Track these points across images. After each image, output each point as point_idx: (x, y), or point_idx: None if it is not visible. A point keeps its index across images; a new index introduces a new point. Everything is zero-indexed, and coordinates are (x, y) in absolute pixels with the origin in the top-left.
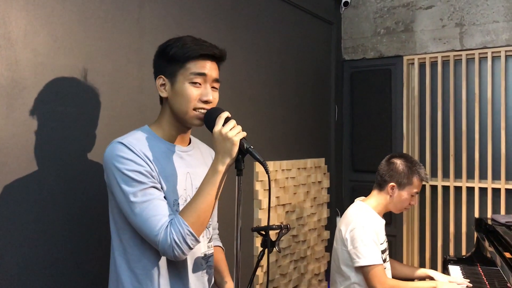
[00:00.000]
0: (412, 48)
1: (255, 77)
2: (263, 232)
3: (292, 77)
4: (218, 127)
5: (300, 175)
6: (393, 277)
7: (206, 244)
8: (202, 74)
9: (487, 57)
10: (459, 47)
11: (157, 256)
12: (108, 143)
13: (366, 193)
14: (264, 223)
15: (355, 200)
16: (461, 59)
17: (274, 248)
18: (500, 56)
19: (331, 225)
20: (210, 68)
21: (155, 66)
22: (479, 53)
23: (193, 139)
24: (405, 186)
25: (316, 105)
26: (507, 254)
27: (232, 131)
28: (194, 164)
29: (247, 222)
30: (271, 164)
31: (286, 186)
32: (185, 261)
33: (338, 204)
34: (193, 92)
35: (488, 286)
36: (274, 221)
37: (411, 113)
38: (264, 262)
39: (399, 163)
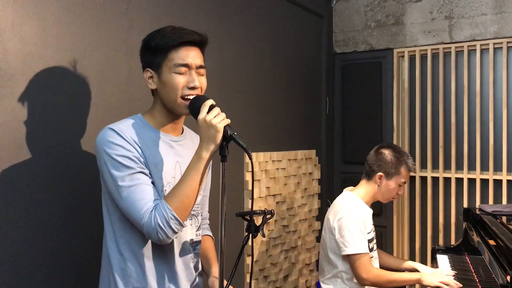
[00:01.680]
0: (402, 41)
1: (246, 69)
2: (248, 218)
3: (283, 70)
4: (202, 114)
5: (290, 166)
6: (381, 267)
7: (195, 232)
8: (185, 65)
9: (475, 49)
10: (448, 40)
11: (145, 239)
12: (97, 132)
13: (356, 184)
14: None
15: (344, 189)
16: (451, 51)
17: (259, 233)
18: (488, 48)
19: (322, 216)
20: (193, 56)
21: (142, 60)
22: (468, 46)
23: (186, 129)
24: (393, 176)
25: (307, 97)
26: (492, 242)
27: (216, 118)
28: (184, 153)
29: (236, 211)
30: (261, 155)
31: (277, 177)
32: (172, 245)
33: (329, 195)
34: (179, 80)
35: (474, 274)
36: None
37: (401, 106)
38: (250, 249)
39: (387, 153)
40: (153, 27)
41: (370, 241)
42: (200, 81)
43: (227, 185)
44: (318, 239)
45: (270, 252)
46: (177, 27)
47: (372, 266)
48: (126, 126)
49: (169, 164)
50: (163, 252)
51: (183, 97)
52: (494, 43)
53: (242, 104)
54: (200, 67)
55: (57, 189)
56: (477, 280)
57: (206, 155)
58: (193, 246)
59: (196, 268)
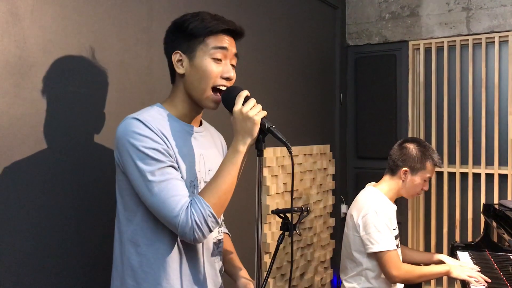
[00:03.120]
0: (418, 33)
1: (261, 62)
2: (283, 215)
3: (298, 63)
4: (238, 106)
5: (306, 162)
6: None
7: (217, 229)
8: (224, 48)
9: (494, 41)
10: (466, 32)
11: (172, 239)
12: (116, 125)
13: (370, 180)
14: (273, 208)
15: (366, 185)
16: (468, 44)
17: (295, 231)
18: (507, 40)
19: (336, 212)
20: (230, 43)
21: (170, 42)
22: (486, 38)
23: (203, 121)
24: (418, 171)
25: (321, 91)
26: None
27: (253, 110)
28: (206, 145)
29: (254, 208)
30: (278, 150)
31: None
32: (199, 245)
33: (343, 191)
34: (214, 68)
35: (499, 271)
36: (282, 207)
37: (417, 99)
38: (268, 246)
39: (412, 147)
40: (174, 16)
41: (395, 237)
42: (234, 73)
43: (243, 181)
44: (332, 236)
45: (287, 249)
46: (215, 14)
47: (401, 262)
48: (150, 116)
49: (195, 157)
50: (191, 252)
51: (214, 88)
52: None
53: (258, 98)
54: (236, 56)
55: (74, 181)
56: (504, 278)
57: (243, 148)
58: (217, 245)
59: (220, 270)
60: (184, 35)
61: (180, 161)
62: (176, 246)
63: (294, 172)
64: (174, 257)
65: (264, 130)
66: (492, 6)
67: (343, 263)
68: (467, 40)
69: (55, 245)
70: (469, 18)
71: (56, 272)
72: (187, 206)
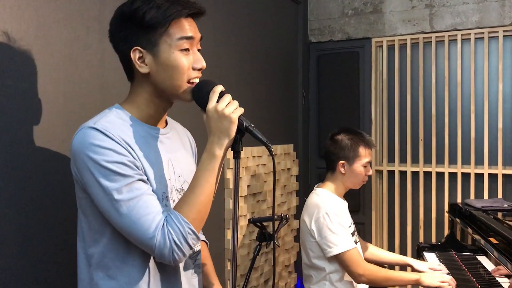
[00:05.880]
0: (381, 30)
1: (220, 57)
2: (260, 224)
3: (259, 59)
4: (212, 103)
5: (270, 162)
6: (368, 261)
7: None
8: (190, 38)
9: (456, 39)
10: (429, 29)
11: (145, 259)
12: (65, 125)
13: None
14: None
15: (315, 187)
16: (431, 41)
17: (276, 243)
18: (469, 38)
19: (299, 214)
20: (194, 28)
21: (121, 36)
22: (449, 35)
23: (168, 119)
24: (355, 159)
25: (283, 88)
26: (493, 240)
27: (229, 107)
28: (174, 148)
29: (217, 213)
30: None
31: (257, 173)
32: None
33: (306, 191)
34: (184, 61)
35: (467, 272)
36: (246, 212)
37: (380, 97)
38: (230, 253)
39: (341, 138)
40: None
41: (352, 234)
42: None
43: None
44: (296, 238)
45: (251, 255)
46: None
47: (363, 261)
48: (109, 123)
49: (164, 164)
50: (166, 270)
51: (189, 81)
52: (475, 33)
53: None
54: (200, 39)
55: (19, 192)
56: (473, 279)
57: (219, 152)
58: (194, 258)
59: (199, 282)
60: (140, 27)
61: (148, 171)
62: (149, 265)
63: (258, 173)
64: (149, 278)
65: (241, 130)
66: (454, 3)
67: (306, 272)
68: (430, 37)
69: None
70: (432, 16)
71: None
72: (163, 225)
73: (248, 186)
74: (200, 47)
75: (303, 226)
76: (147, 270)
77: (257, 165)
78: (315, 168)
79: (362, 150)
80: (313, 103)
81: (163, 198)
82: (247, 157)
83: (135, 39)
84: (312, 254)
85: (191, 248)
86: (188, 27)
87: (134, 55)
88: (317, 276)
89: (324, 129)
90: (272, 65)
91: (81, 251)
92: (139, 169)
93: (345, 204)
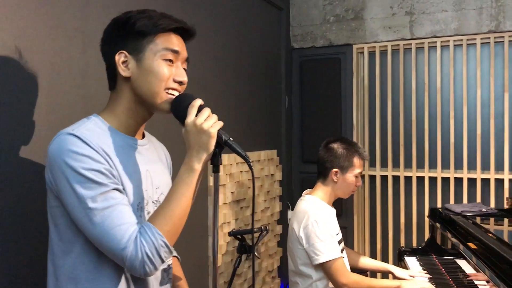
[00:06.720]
0: (362, 36)
1: (204, 63)
2: (240, 237)
3: (243, 65)
4: (191, 117)
5: (253, 168)
6: (352, 268)
7: None
8: (175, 51)
9: (436, 46)
10: (409, 36)
11: (118, 271)
12: (47, 135)
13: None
14: (220, 222)
15: (303, 193)
16: (411, 48)
17: (256, 255)
18: (448, 45)
19: (283, 219)
20: (181, 45)
21: (111, 41)
22: (429, 42)
23: (145, 132)
24: (348, 169)
25: (267, 94)
26: (472, 245)
27: (208, 122)
28: (152, 160)
29: (200, 221)
30: (225, 158)
31: (241, 180)
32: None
33: (289, 197)
34: (166, 70)
35: (447, 277)
36: (230, 219)
37: (361, 103)
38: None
39: (336, 147)
40: (113, 15)
41: (339, 242)
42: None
43: None
44: (279, 243)
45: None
46: (163, 12)
47: (348, 271)
48: (89, 131)
49: (141, 175)
50: (138, 284)
51: (167, 90)
52: (454, 40)
53: (204, 102)
54: (187, 60)
55: None
56: (453, 283)
57: (198, 166)
58: (166, 271)
59: None
60: (130, 33)
61: (125, 181)
62: (122, 278)
63: (242, 180)
64: None
65: (220, 144)
66: (434, 11)
67: (292, 279)
68: (410, 44)
69: None
70: (412, 23)
71: None
72: (136, 236)
73: (232, 192)
74: (186, 67)
75: (292, 232)
76: (120, 282)
77: (241, 171)
78: (299, 173)
79: (356, 161)
80: (296, 108)
81: (138, 209)
82: (231, 164)
83: (123, 44)
84: (300, 261)
85: (163, 261)
86: (176, 42)
87: (119, 58)
88: (303, 283)
89: (307, 135)
90: (255, 71)
91: (50, 264)
92: (115, 178)
93: (333, 211)
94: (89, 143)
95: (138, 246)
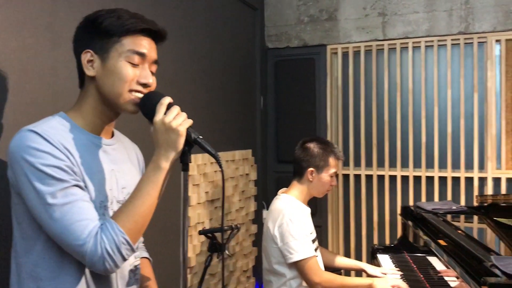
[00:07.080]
0: (336, 37)
1: (177, 62)
2: (210, 235)
3: (217, 64)
4: (159, 115)
5: (228, 168)
6: (325, 266)
7: (133, 254)
8: (141, 54)
9: (408, 47)
10: (382, 37)
11: (79, 270)
12: (13, 136)
13: (289, 184)
14: (194, 222)
15: (278, 193)
16: (383, 48)
17: (226, 253)
18: (420, 46)
19: (258, 219)
20: (150, 47)
21: (80, 39)
22: (401, 43)
23: (116, 131)
24: (323, 168)
25: (242, 94)
26: (442, 242)
27: (177, 120)
28: (119, 159)
29: (175, 221)
30: (199, 157)
31: (215, 180)
32: (112, 274)
33: (264, 196)
34: (130, 71)
35: (419, 273)
36: (204, 219)
37: (335, 103)
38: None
39: (312, 146)
40: (82, 10)
41: (313, 241)
42: (153, 80)
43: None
44: (254, 243)
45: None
46: (135, 13)
47: (321, 269)
48: (51, 128)
49: (105, 174)
50: (101, 283)
51: (130, 91)
52: (425, 41)
53: (175, 102)
54: (155, 62)
55: None
56: (424, 280)
57: (165, 165)
58: (133, 272)
59: None
60: (97, 32)
61: (87, 179)
62: (84, 278)
63: (216, 179)
64: None
65: (190, 142)
66: (405, 12)
67: (266, 278)
68: (383, 45)
69: None
70: (385, 24)
71: None
72: (96, 232)
73: (206, 192)
74: (154, 70)
75: (267, 231)
76: (82, 280)
77: (215, 171)
78: (273, 173)
79: (332, 161)
80: (271, 108)
81: (100, 207)
82: (205, 164)
83: (89, 43)
84: (274, 259)
85: (124, 258)
86: (144, 43)
87: (85, 57)
88: (277, 282)
89: (282, 134)
90: (230, 71)
91: (13, 262)
92: (76, 175)
93: (308, 210)
94: (49, 139)
95: (98, 242)
